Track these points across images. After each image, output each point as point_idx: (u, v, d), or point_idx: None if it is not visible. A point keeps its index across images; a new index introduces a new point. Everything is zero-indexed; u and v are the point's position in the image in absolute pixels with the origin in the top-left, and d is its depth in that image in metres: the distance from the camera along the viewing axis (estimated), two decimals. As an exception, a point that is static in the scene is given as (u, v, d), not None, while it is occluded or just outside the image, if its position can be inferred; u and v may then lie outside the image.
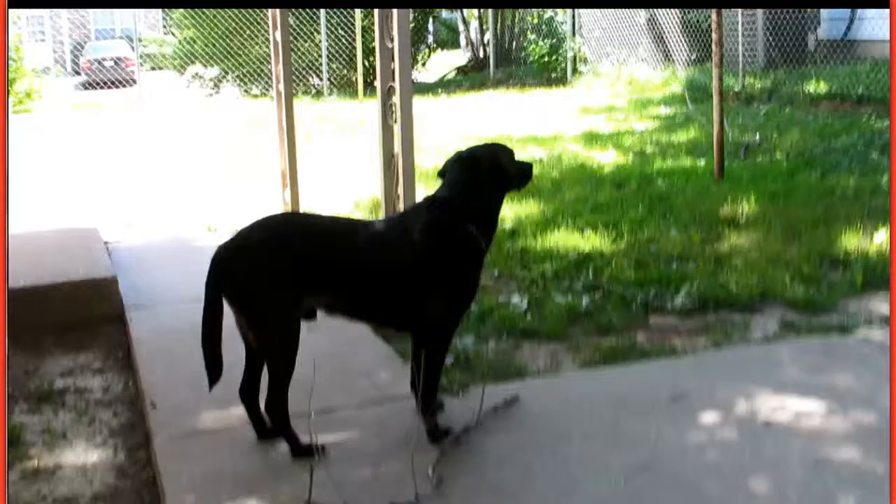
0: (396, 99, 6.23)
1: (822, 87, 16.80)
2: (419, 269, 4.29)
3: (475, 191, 4.42)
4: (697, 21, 21.06)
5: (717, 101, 10.45)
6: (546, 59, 24.59)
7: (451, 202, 4.41)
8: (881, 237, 7.55)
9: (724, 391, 4.86)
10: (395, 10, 6.17)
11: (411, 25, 25.66)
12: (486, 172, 4.47)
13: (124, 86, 29.73)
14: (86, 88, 32.03)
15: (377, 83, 6.46)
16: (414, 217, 4.46)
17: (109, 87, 28.90)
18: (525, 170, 4.70)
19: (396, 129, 6.30)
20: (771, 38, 19.67)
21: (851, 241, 7.57)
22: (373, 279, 4.30)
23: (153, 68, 31.12)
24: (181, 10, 28.08)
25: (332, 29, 26.45)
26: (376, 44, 6.41)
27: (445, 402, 4.75)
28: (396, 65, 6.18)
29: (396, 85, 6.21)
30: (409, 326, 4.55)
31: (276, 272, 4.12)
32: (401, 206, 6.29)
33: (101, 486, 4.29)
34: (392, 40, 6.23)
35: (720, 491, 3.89)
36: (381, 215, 6.69)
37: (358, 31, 22.37)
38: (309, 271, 4.17)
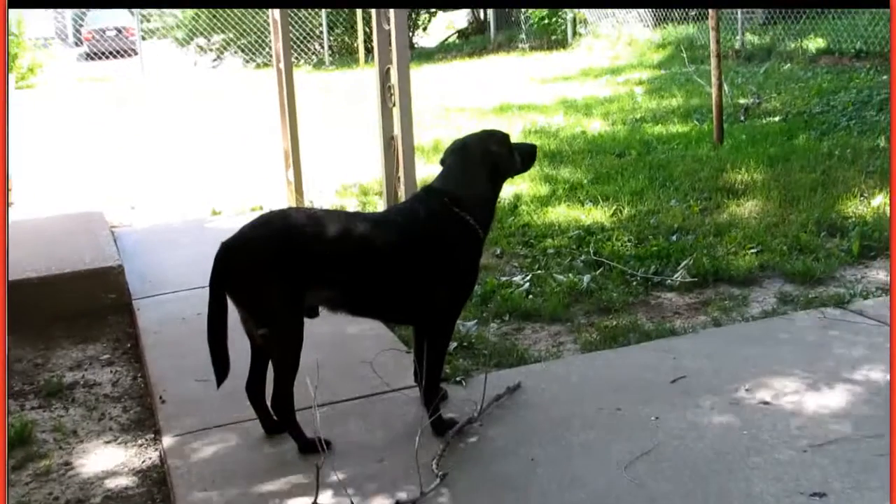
0: (394, 80, 6.27)
1: (821, 43, 16.74)
2: (418, 260, 4.36)
3: (469, 181, 4.48)
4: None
5: (715, 64, 10.45)
6: (546, 21, 24.44)
7: (445, 192, 4.46)
8: (878, 200, 7.60)
9: (722, 371, 4.94)
10: (391, -7, 6.21)
11: (411, -10, 25.14)
12: (478, 162, 4.52)
13: (126, 56, 29.67)
14: (88, 59, 32.00)
15: (375, 64, 6.50)
16: (411, 209, 4.53)
17: (111, 58, 28.86)
18: (526, 154, 4.75)
19: (395, 111, 6.36)
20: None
21: (849, 206, 7.63)
22: (374, 273, 4.35)
23: (154, 36, 31.02)
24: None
25: (333, -5, 26.40)
26: (373, 26, 6.44)
27: (449, 390, 4.83)
28: (394, 47, 6.22)
29: (394, 67, 6.25)
30: (411, 319, 4.63)
31: (279, 270, 4.17)
32: (402, 189, 6.35)
33: (113, 485, 4.36)
34: (389, 22, 6.26)
35: (719, 475, 3.96)
36: (384, 197, 6.75)
37: (358, -3, 22.26)
38: (311, 268, 4.23)
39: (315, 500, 3.78)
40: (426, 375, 4.46)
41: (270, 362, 4.37)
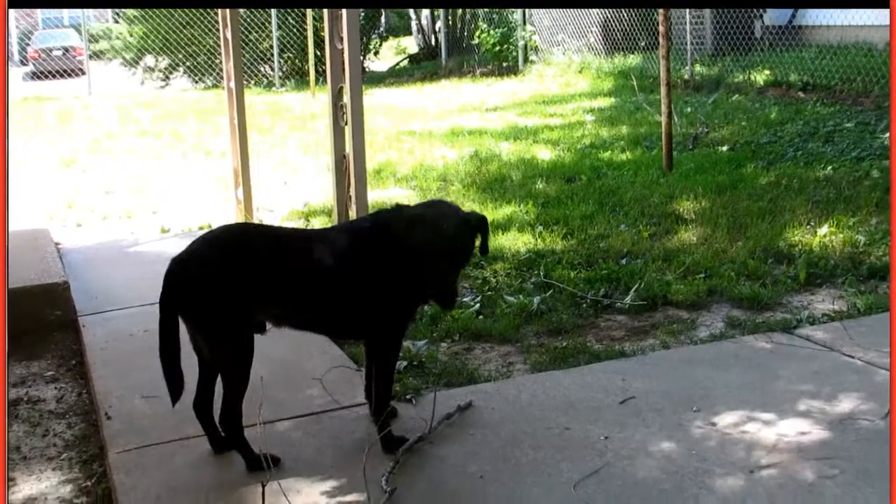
0: (347, 100, 6.26)
1: (769, 75, 16.96)
2: (354, 276, 4.33)
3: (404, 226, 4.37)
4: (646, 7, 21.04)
5: (664, 93, 10.54)
6: (498, 47, 24.49)
7: (389, 215, 4.47)
8: (824, 230, 7.69)
9: (670, 393, 4.96)
10: (344, 11, 6.20)
11: (362, 14, 25.26)
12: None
13: (73, 76, 29.40)
14: (34, 78, 31.72)
15: (327, 83, 6.49)
16: (354, 226, 4.63)
17: (58, 77, 28.61)
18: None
19: (347, 130, 6.34)
20: (718, 25, 19.74)
21: (795, 235, 7.71)
22: (319, 288, 4.33)
23: (101, 55, 30.77)
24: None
25: (284, 18, 26.33)
26: (326, 45, 6.43)
27: (399, 408, 4.81)
28: (346, 66, 6.22)
29: (346, 86, 6.25)
30: (357, 335, 4.63)
31: (228, 286, 4.15)
32: (353, 208, 6.34)
33: (56, 501, 4.31)
34: (342, 41, 6.26)
35: (667, 496, 3.98)
36: (334, 216, 6.73)
37: (309, 21, 22.18)
38: (260, 284, 4.21)
39: (262, 517, 3.75)
40: (376, 392, 4.45)
41: (218, 378, 4.34)
